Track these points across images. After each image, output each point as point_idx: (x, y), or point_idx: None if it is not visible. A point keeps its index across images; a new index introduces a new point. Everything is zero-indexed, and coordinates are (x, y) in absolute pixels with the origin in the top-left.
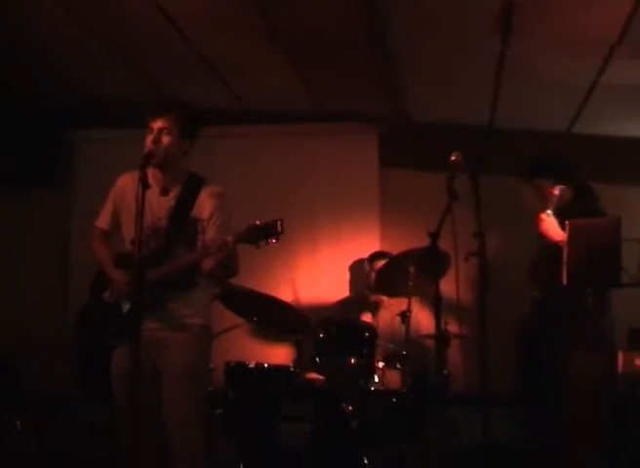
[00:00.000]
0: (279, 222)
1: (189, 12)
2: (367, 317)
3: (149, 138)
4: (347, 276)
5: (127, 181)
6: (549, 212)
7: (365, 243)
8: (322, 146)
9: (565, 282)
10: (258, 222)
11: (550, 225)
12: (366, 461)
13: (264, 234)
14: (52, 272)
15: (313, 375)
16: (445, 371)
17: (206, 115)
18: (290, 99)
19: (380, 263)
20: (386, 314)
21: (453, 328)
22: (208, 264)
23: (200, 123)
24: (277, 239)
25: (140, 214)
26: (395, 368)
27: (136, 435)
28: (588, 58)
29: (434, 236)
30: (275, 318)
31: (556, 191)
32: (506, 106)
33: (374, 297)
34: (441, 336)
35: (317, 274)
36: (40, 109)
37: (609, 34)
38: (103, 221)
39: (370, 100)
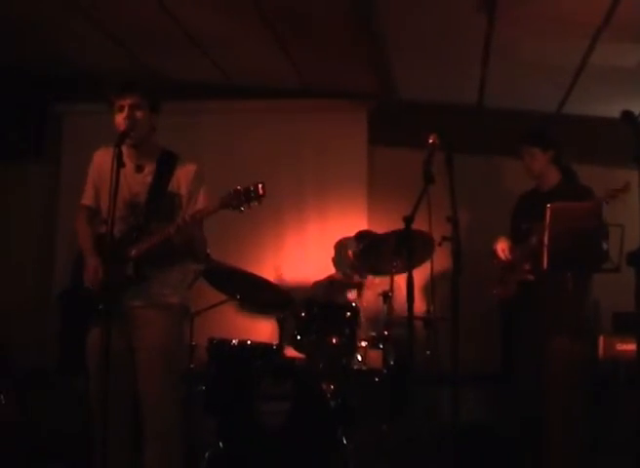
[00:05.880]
0: (260, 185)
1: None
2: (351, 296)
3: (121, 116)
4: (333, 254)
5: (103, 157)
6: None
7: (352, 221)
8: (310, 123)
9: (545, 266)
10: (239, 187)
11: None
12: (345, 441)
13: (247, 198)
14: (39, 245)
15: (294, 354)
16: (427, 352)
17: (193, 90)
18: (277, 75)
19: (365, 243)
20: (370, 293)
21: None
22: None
23: (161, 96)
24: (259, 202)
25: (114, 193)
26: (378, 347)
27: (105, 411)
28: (575, 39)
29: (409, 220)
30: (258, 296)
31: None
32: (495, 86)
33: (358, 277)
34: (412, 319)
35: (304, 251)
36: (28, 82)
37: (595, 16)
38: (88, 198)
39: (358, 78)
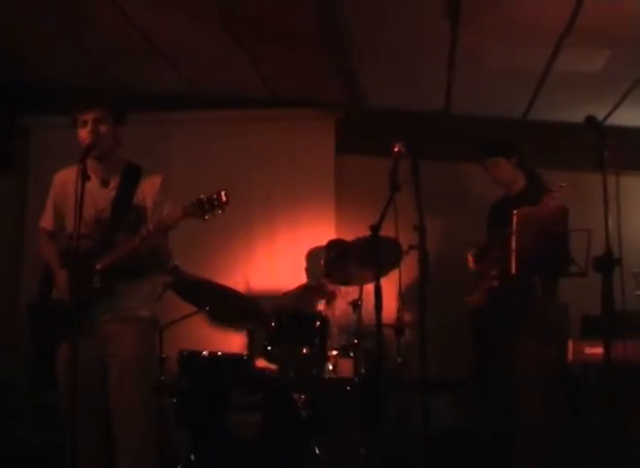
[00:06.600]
0: (223, 192)
1: None
2: (322, 305)
3: (85, 131)
4: (304, 263)
5: (66, 176)
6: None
7: (321, 230)
8: (278, 132)
9: (514, 271)
10: (202, 196)
11: None
12: (317, 451)
13: (210, 206)
14: (7, 257)
15: (265, 365)
16: (399, 360)
17: (162, 100)
18: (245, 85)
19: (336, 252)
20: (342, 302)
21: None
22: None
23: (127, 108)
24: (223, 210)
25: (79, 206)
26: (348, 356)
27: (75, 427)
28: (539, 46)
29: (375, 229)
30: (227, 307)
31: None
32: (461, 93)
33: (330, 286)
34: (381, 327)
35: (274, 261)
36: None
37: (557, 23)
38: (47, 221)
39: (325, 87)
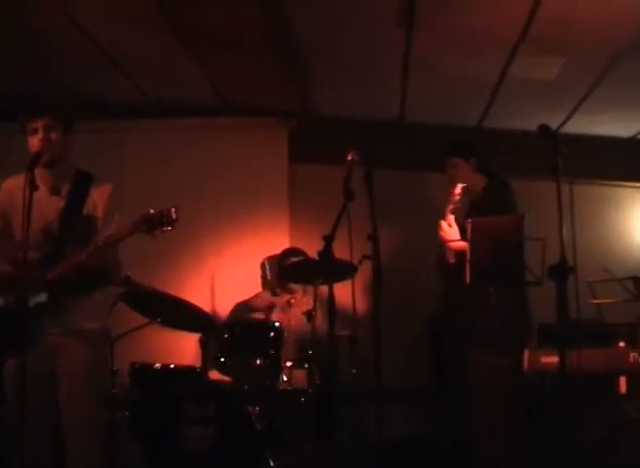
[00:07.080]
0: (173, 210)
1: (86, 4)
2: (276, 315)
3: (35, 138)
4: (258, 273)
5: (15, 183)
6: (450, 216)
7: (275, 239)
8: (231, 141)
9: (468, 280)
10: (152, 211)
11: (445, 234)
12: (272, 463)
13: (159, 222)
14: None
15: (218, 377)
16: (353, 370)
17: (113, 109)
18: (196, 94)
19: (293, 260)
20: (298, 311)
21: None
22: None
23: (74, 117)
24: (172, 227)
25: (27, 216)
26: (303, 367)
27: (21, 441)
28: (494, 53)
29: (328, 239)
30: (179, 318)
31: (457, 190)
32: (416, 101)
33: (285, 295)
34: (334, 338)
35: (227, 271)
36: None
37: (512, 30)
38: None
39: (278, 95)
